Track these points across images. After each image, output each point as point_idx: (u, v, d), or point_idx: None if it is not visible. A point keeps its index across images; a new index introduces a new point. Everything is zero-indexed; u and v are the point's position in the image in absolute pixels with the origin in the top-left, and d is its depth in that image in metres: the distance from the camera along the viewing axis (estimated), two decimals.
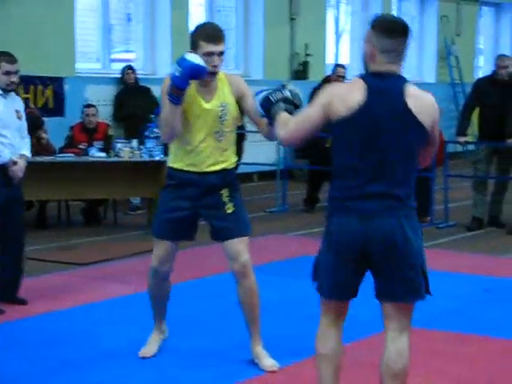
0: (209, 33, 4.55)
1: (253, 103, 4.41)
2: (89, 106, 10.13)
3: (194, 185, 4.70)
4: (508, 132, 9.19)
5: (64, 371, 4.86)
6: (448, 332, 5.61)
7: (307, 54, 14.53)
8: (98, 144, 9.38)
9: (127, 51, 13.43)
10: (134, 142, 9.34)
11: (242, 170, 12.59)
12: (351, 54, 16.73)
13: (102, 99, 11.60)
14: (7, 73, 6.02)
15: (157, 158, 9.20)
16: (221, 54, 4.52)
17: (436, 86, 17.06)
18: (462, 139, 9.79)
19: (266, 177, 13.28)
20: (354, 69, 16.11)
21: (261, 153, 12.78)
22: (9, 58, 6.06)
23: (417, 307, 5.83)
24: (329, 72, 12.64)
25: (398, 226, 3.56)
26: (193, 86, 4.57)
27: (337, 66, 11.43)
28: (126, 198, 10.48)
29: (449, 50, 17.67)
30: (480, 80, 10.37)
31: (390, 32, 3.57)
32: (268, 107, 4.00)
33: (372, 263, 3.64)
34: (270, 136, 4.50)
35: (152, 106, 11.30)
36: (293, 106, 4.00)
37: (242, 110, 4.79)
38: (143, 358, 5.04)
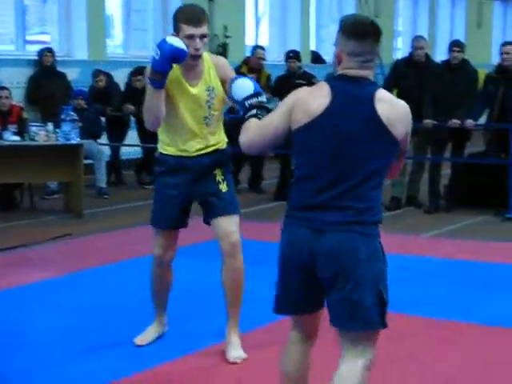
0: (189, 15, 4.44)
1: None
2: (2, 88, 9.91)
3: (187, 169, 4.65)
4: (425, 113, 9.28)
5: None
6: None
7: (226, 36, 14.45)
8: (12, 127, 9.18)
9: (42, 33, 13.18)
10: (50, 126, 9.16)
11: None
12: (270, 35, 16.73)
13: (16, 82, 11.35)
14: None
15: (73, 142, 9.05)
16: (203, 36, 4.43)
17: None
18: None
19: None
20: (274, 51, 16.13)
21: None
22: None
23: None
24: (248, 54, 12.59)
25: (350, 243, 3.26)
26: (178, 71, 4.50)
27: (256, 47, 11.32)
28: (42, 183, 10.29)
29: None
30: (398, 61, 10.46)
31: (357, 34, 3.27)
32: (242, 112, 3.75)
33: (322, 280, 3.32)
34: None
35: (68, 90, 11.16)
36: (266, 112, 3.69)
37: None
38: (139, 345, 4.92)
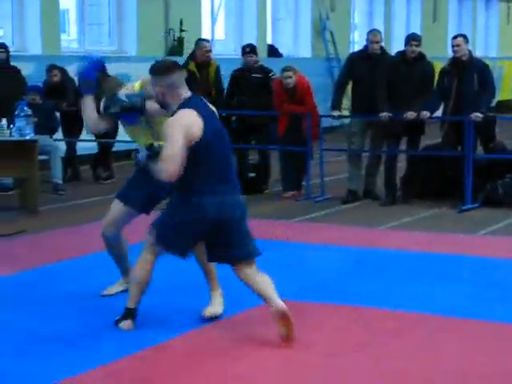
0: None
1: None
2: None
3: None
4: (380, 106, 9.31)
5: None
6: (322, 303, 5.65)
7: (182, 30, 14.37)
8: None
9: None
10: (4, 122, 9.07)
11: (119, 147, 12.41)
12: (227, 29, 16.68)
13: None
14: None
15: (27, 138, 8.96)
16: None
17: (312, 60, 17.20)
18: (335, 113, 9.88)
19: None
20: (230, 45, 16.09)
21: None
22: None
23: (290, 280, 5.90)
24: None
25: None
26: None
27: (200, 40, 10.83)
28: None
29: (324, 25, 17.82)
30: (352, 54, 10.50)
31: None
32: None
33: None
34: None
35: (22, 85, 11.02)
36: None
37: None
38: (103, 295, 5.75)
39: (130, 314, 5.09)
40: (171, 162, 4.68)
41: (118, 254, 5.73)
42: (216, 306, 5.32)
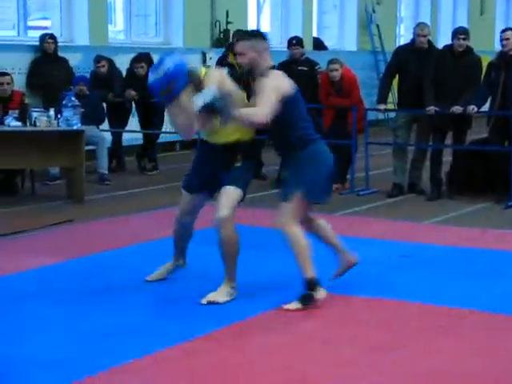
0: None
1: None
2: (3, 74, 9.87)
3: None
4: (426, 100, 9.25)
5: None
6: (367, 298, 5.65)
7: (228, 22, 14.39)
8: (13, 113, 9.16)
9: (44, 18, 13.15)
10: (51, 112, 9.15)
11: (164, 139, 12.53)
12: (272, 21, 16.67)
13: (18, 67, 11.32)
14: None
15: (74, 128, 9.05)
16: None
17: (357, 54, 17.13)
18: (381, 107, 9.84)
19: (187, 146, 13.18)
20: (276, 37, 16.06)
21: None
22: None
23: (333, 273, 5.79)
24: None
25: None
26: None
27: (238, 31, 10.74)
28: (43, 168, 10.29)
29: (370, 19, 17.74)
30: (399, 48, 10.43)
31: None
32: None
33: None
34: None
35: (70, 75, 11.13)
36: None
37: None
38: (148, 280, 5.89)
39: (314, 283, 5.31)
40: (265, 107, 5.13)
41: (184, 237, 5.89)
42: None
